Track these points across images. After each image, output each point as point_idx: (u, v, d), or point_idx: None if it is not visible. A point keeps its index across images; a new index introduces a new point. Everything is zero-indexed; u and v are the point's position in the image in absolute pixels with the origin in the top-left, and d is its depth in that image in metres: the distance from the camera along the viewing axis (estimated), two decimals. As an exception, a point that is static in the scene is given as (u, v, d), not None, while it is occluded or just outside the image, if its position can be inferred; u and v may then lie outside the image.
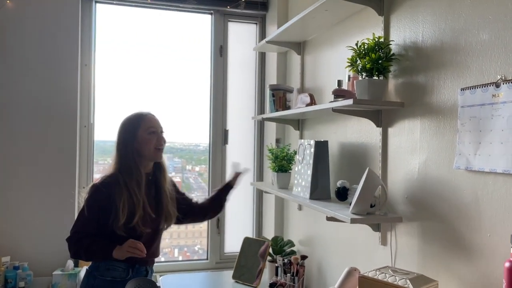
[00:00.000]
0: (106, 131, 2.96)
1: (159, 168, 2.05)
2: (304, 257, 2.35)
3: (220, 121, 3.13)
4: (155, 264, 3.05)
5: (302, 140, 2.21)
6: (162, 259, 3.24)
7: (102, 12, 2.92)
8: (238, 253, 2.64)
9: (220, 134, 3.13)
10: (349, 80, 1.97)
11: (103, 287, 1.86)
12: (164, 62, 3.12)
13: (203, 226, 3.32)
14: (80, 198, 2.77)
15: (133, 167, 1.90)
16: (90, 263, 1.96)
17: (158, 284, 2.54)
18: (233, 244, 3.13)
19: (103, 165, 3.06)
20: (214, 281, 2.67)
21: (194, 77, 3.19)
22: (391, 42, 1.76)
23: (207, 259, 3.11)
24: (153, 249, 1.99)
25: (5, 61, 2.61)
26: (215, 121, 3.12)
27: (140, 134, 1.95)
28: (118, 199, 1.83)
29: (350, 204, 1.75)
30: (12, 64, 2.62)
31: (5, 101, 2.59)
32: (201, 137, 3.24)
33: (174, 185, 2.18)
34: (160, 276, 2.67)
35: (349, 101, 1.65)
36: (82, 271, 2.52)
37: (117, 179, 1.86)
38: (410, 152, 1.67)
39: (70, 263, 2.55)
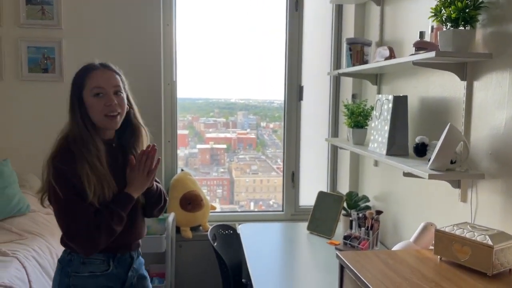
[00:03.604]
0: (186, 88, 3.12)
1: (130, 131, 1.62)
2: (379, 212, 2.37)
3: (295, 77, 3.14)
4: (234, 213, 3.28)
5: (380, 95, 2.17)
6: (238, 210, 3.43)
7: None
8: (312, 207, 2.72)
9: (295, 90, 3.15)
10: (432, 31, 1.87)
11: (81, 285, 1.52)
12: (240, 18, 3.16)
13: (277, 181, 3.43)
14: (166, 150, 3.00)
15: (87, 138, 1.49)
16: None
17: (238, 231, 2.72)
18: (307, 198, 3.21)
19: (182, 121, 3.25)
20: (290, 231, 2.79)
21: (269, 33, 3.21)
22: (480, -11, 1.63)
23: (282, 211, 3.24)
24: (135, 229, 1.62)
25: (94, 24, 2.80)
26: (290, 77, 3.14)
27: (84, 96, 1.51)
28: (81, 174, 1.44)
29: (429, 160, 1.72)
30: (99, 27, 2.81)
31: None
32: (276, 93, 3.29)
33: None
34: (239, 224, 2.84)
35: (431, 54, 1.59)
36: (170, 216, 2.76)
37: (74, 153, 1.47)
38: (497, 106, 1.58)
39: (159, 209, 2.79)
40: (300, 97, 3.16)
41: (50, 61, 2.75)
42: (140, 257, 1.70)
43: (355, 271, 1.38)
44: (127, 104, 1.60)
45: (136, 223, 1.62)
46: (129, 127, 1.63)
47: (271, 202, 3.51)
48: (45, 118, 2.74)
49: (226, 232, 2.68)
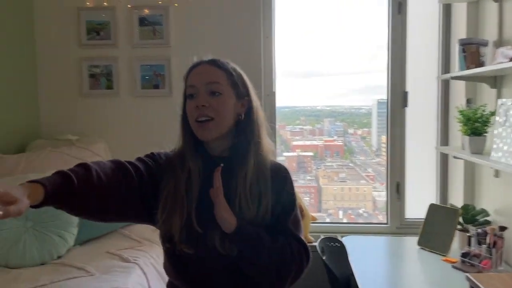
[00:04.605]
0: (283, 98, 3.12)
1: (241, 147, 1.24)
2: (503, 228, 2.15)
3: (399, 83, 3.00)
4: (334, 224, 3.19)
5: (504, 100, 1.98)
6: (327, 220, 3.32)
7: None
8: (419, 219, 2.56)
9: (399, 96, 3.00)
10: None
11: None
12: (339, 25, 3.11)
13: (367, 190, 3.29)
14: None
15: (185, 151, 1.24)
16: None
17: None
18: (413, 210, 3.03)
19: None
20: (398, 245, 2.65)
21: (358, 37, 3.12)
22: None
23: (387, 223, 3.09)
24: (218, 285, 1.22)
25: (199, 40, 2.92)
26: (393, 82, 3.00)
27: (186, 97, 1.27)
28: (162, 186, 1.21)
29: None
30: (204, 43, 2.92)
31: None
32: (363, 100, 3.19)
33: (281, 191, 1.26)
34: (342, 236, 2.76)
35: None
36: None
37: (173, 160, 1.27)
38: None
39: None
40: (404, 104, 3.01)
41: (160, 78, 2.94)
42: None
43: (495, 297, 1.25)
44: (242, 111, 1.26)
45: (222, 280, 1.21)
46: (240, 141, 1.25)
47: (360, 211, 3.39)
48: (157, 131, 2.91)
49: (333, 244, 2.62)
